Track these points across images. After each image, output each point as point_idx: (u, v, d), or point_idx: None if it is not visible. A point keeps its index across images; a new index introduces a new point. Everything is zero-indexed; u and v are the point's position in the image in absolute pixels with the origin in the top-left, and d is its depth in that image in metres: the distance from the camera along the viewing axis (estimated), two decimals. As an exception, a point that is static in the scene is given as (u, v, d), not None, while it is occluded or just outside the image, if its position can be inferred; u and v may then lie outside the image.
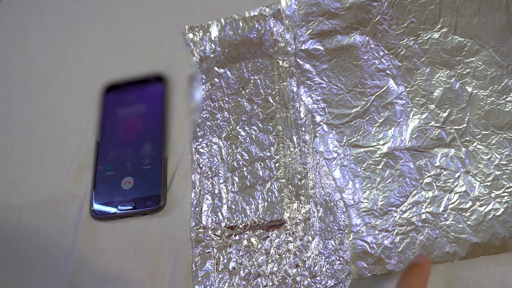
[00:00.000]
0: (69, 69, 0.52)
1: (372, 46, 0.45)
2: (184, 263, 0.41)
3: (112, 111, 0.48)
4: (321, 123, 0.44)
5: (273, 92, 0.45)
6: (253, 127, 0.44)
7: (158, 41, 0.51)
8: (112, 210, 0.43)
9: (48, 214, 0.45)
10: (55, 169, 0.47)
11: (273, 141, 0.43)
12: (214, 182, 0.43)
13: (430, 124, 0.41)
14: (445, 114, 0.41)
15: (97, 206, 0.44)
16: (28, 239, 0.44)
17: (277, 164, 0.42)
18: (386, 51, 0.45)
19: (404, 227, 0.38)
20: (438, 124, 0.41)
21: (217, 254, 0.40)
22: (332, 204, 0.40)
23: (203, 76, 0.48)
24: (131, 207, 0.43)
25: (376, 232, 0.39)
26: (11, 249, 0.44)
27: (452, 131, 0.41)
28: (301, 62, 0.47)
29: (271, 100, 0.45)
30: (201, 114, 0.46)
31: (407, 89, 0.43)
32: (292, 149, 0.43)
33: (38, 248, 0.44)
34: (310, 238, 0.39)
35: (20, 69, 0.53)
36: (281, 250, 0.39)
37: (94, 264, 0.42)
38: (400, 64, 0.44)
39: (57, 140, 0.48)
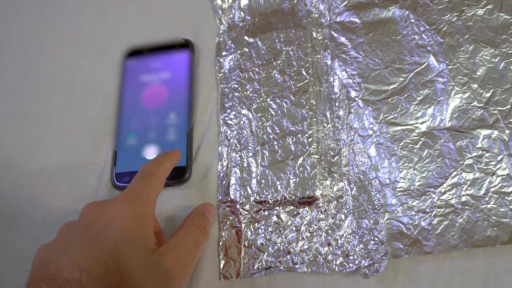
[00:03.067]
0: (89, 31, 0.50)
1: (412, 20, 0.43)
2: (210, 238, 0.39)
3: (135, 77, 0.46)
4: (357, 98, 0.42)
5: (306, 65, 0.43)
6: (285, 99, 0.42)
7: (184, 5, 0.49)
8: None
9: (66, 181, 0.43)
10: (74, 134, 0.45)
11: (306, 115, 0.41)
12: (242, 155, 0.41)
13: (472, 104, 0.40)
14: (488, 95, 0.40)
15: (118, 176, 0.42)
16: (45, 205, 0.42)
17: (309, 139, 0.40)
18: (427, 27, 0.43)
19: (443, 209, 0.37)
20: (481, 105, 0.39)
21: (245, 229, 0.38)
22: (366, 182, 0.39)
23: (232, 45, 0.46)
24: (154, 178, 0.41)
25: (413, 213, 0.37)
26: (26, 215, 0.42)
27: (495, 112, 0.39)
28: (335, 35, 0.45)
29: (304, 73, 0.43)
30: (230, 85, 0.44)
31: (448, 67, 0.41)
32: (325, 125, 0.41)
33: (54, 215, 0.42)
34: (343, 217, 0.38)
35: (36, 29, 0.50)
36: (312, 228, 0.38)
37: (114, 235, 0.40)
38: (442, 40, 0.42)
39: (76, 105, 0.46)
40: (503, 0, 0.43)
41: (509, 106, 0.39)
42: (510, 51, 0.41)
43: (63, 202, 0.42)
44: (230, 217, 0.39)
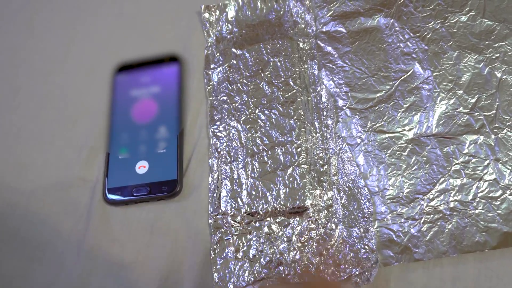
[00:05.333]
0: (79, 48, 0.50)
1: (397, 29, 0.44)
2: (202, 251, 0.39)
3: (125, 92, 0.47)
4: (344, 107, 0.42)
5: (294, 75, 0.44)
6: (273, 110, 0.43)
7: (172, 20, 0.49)
8: (126, 195, 0.42)
9: (59, 199, 0.43)
10: (65, 152, 0.45)
11: (294, 125, 0.42)
12: (233, 167, 0.41)
13: (458, 110, 0.40)
14: (473, 100, 0.40)
15: (110, 191, 0.42)
16: (38, 224, 0.43)
17: (298, 149, 0.41)
18: (411, 34, 0.43)
19: (432, 216, 0.37)
20: (466, 110, 0.40)
21: (237, 241, 0.39)
22: (356, 191, 0.39)
23: (220, 57, 0.46)
24: (146, 192, 0.41)
25: (402, 220, 0.37)
26: (21, 235, 0.42)
27: (481, 117, 0.39)
28: (322, 45, 0.45)
29: (292, 83, 0.43)
30: (218, 97, 0.44)
31: (434, 74, 0.41)
32: (314, 134, 0.42)
33: (48, 234, 0.42)
34: (334, 226, 0.38)
35: (27, 48, 0.51)
36: (303, 238, 0.38)
37: (108, 251, 0.41)
38: (426, 47, 0.42)
39: (67, 122, 0.47)
40: (485, 6, 0.43)
41: (494, 111, 0.39)
42: (494, 57, 0.41)
43: (57, 220, 0.43)
44: (222, 229, 0.39)
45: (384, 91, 0.42)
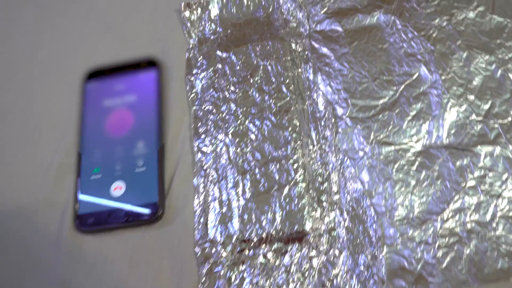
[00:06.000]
0: (45, 51, 0.45)
1: (399, 27, 0.40)
2: (189, 284, 0.34)
3: (97, 102, 0.41)
4: (344, 116, 0.38)
5: (287, 81, 0.39)
6: (265, 121, 0.38)
7: (149, 19, 0.44)
8: (100, 221, 0.37)
9: (24, 226, 0.38)
10: (30, 171, 0.40)
11: (289, 138, 0.37)
12: (221, 187, 0.36)
13: (470, 118, 0.36)
14: (486, 106, 0.36)
15: (82, 217, 0.37)
16: (1, 255, 0.37)
17: (295, 166, 0.36)
18: (415, 33, 0.39)
19: (447, 239, 0.33)
20: (480, 118, 0.36)
21: (228, 273, 0.34)
22: (360, 211, 0.35)
23: (204, 61, 0.41)
24: (123, 218, 0.36)
25: (414, 244, 0.33)
26: (-20, 267, 0.37)
27: (496, 126, 0.35)
28: (316, 46, 0.40)
29: (285, 90, 0.39)
30: (203, 106, 0.40)
31: (442, 77, 0.37)
32: (311, 147, 0.37)
33: (13, 265, 0.37)
34: (337, 252, 0.34)
35: (-16, 52, 0.45)
36: (303, 267, 0.34)
37: (82, 285, 0.36)
38: (432, 48, 0.38)
39: (31, 136, 0.41)
40: (494, 1, 0.39)
41: (510, 119, 0.36)
42: (506, 57, 0.37)
43: (22, 250, 0.37)
44: (211, 260, 0.35)
45: (387, 97, 0.38)
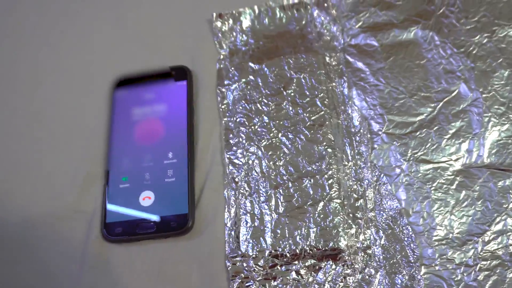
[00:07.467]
0: (74, 59, 0.44)
1: (438, 43, 0.39)
2: (219, 300, 0.34)
3: (126, 111, 0.41)
4: (380, 132, 0.37)
5: (321, 94, 0.38)
6: (298, 135, 0.37)
7: (180, 28, 0.44)
8: (128, 231, 0.36)
9: (50, 234, 0.37)
10: (57, 178, 0.39)
11: (324, 153, 0.36)
12: (253, 201, 0.36)
13: (512, 138, 0.35)
14: (529, 126, 0.35)
15: (109, 226, 0.36)
16: (26, 262, 0.37)
17: (329, 181, 0.35)
18: (455, 50, 0.38)
19: (489, 262, 0.32)
20: (522, 138, 0.35)
21: (260, 289, 0.33)
22: (397, 230, 0.34)
23: (235, 72, 0.41)
24: (152, 229, 0.36)
25: (454, 266, 0.32)
26: (4, 274, 0.36)
27: (539, 146, 0.35)
28: (351, 60, 0.40)
29: (319, 103, 0.38)
30: (234, 118, 0.39)
31: (483, 95, 0.36)
32: (346, 163, 0.36)
33: (37, 274, 0.36)
34: (373, 271, 0.33)
35: (11, 57, 0.45)
36: (337, 285, 0.33)
37: (107, 297, 0.35)
38: (472, 65, 0.38)
39: (59, 143, 0.41)
40: (536, 18, 0.38)
41: (554, 139, 0.35)
42: (550, 76, 0.36)
43: (47, 259, 0.37)
44: (242, 274, 0.34)
45: (425, 114, 0.37)
